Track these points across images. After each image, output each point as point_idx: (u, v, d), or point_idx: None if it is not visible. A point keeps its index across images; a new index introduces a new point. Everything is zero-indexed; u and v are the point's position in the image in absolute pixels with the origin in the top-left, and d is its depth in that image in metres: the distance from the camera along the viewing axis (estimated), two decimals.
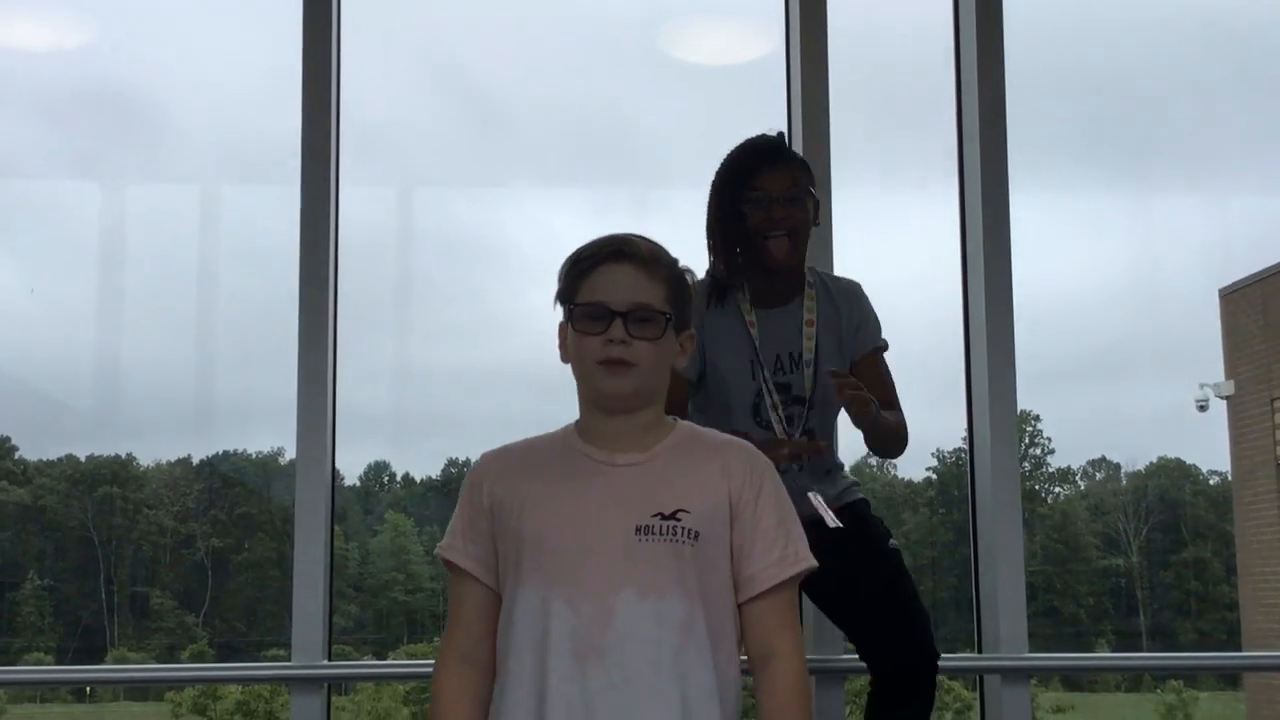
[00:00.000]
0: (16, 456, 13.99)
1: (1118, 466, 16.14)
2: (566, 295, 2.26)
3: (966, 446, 3.78)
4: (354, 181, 4.22)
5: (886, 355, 3.33)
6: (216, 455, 14.11)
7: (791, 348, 3.19)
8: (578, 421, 2.31)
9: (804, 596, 3.35)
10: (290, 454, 12.48)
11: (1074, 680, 13.52)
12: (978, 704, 3.90)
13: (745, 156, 3.18)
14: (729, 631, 2.20)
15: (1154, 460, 15.75)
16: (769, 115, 4.50)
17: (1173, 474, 15.78)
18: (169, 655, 13.23)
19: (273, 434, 13.32)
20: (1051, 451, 15.48)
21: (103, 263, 10.62)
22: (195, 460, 14.12)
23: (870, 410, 2.94)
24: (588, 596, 2.12)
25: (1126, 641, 14.83)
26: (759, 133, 3.25)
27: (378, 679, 10.67)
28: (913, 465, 15.24)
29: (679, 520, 2.14)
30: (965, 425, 3.81)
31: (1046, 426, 14.79)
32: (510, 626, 2.17)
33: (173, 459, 14.15)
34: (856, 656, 3.20)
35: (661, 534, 2.14)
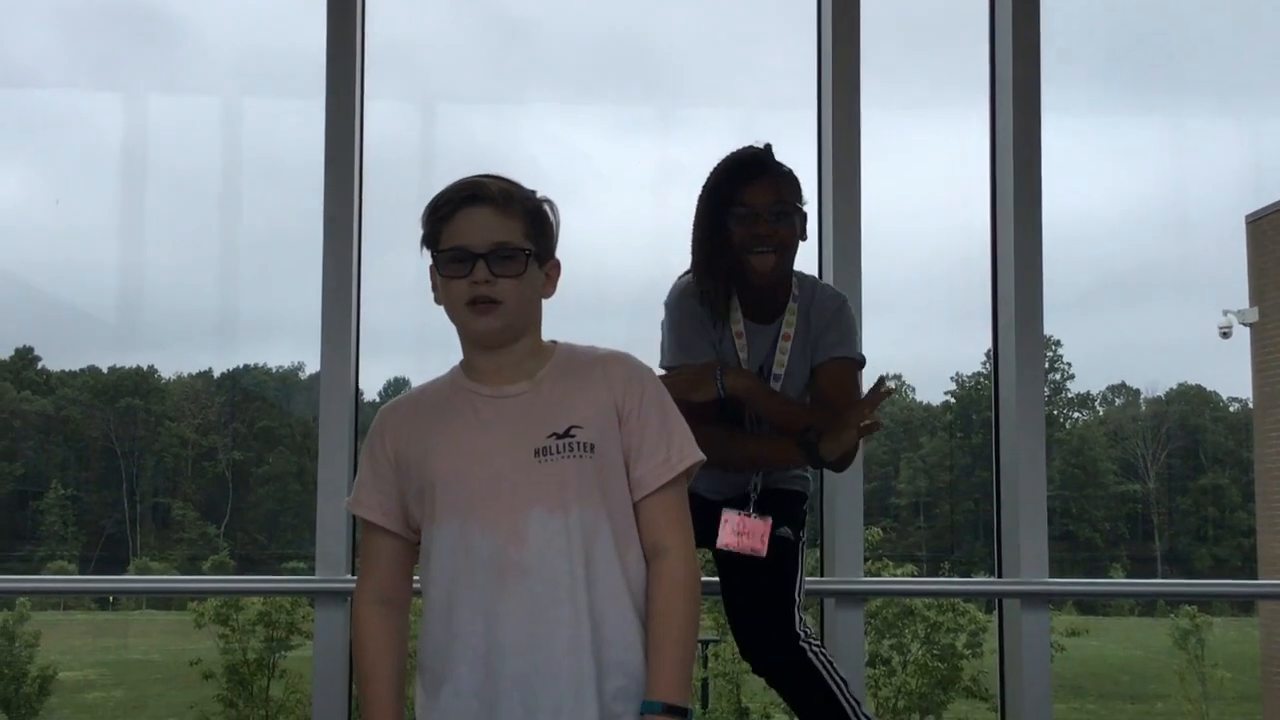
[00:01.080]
0: (40, 367, 14.08)
1: (1137, 392, 16.13)
2: (430, 242, 2.29)
3: (986, 371, 3.75)
4: (376, 96, 4.18)
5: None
6: (237, 369, 14.19)
7: (765, 363, 3.16)
8: (462, 362, 2.35)
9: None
10: (310, 368, 12.51)
11: (1088, 604, 13.58)
12: (995, 627, 3.90)
13: (731, 170, 3.10)
14: (634, 533, 2.27)
15: (1174, 386, 15.74)
16: (797, 33, 4.44)
17: (1193, 400, 15.76)
18: (190, 565, 13.39)
19: (293, 348, 13.38)
20: (1071, 377, 15.48)
21: (125, 175, 10.61)
22: (216, 373, 14.21)
23: (680, 393, 2.85)
24: (501, 521, 2.19)
25: (1141, 566, 14.90)
26: (746, 145, 3.16)
27: None
28: (931, 389, 15.25)
29: (573, 436, 2.22)
30: (984, 350, 3.78)
31: (1067, 351, 14.78)
32: (432, 562, 2.25)
33: (194, 372, 14.25)
34: (876, 579, 3.21)
35: (559, 452, 2.21)
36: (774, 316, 3.12)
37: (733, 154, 3.11)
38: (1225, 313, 12.90)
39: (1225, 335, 12.97)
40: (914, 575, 13.41)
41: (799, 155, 3.49)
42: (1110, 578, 14.37)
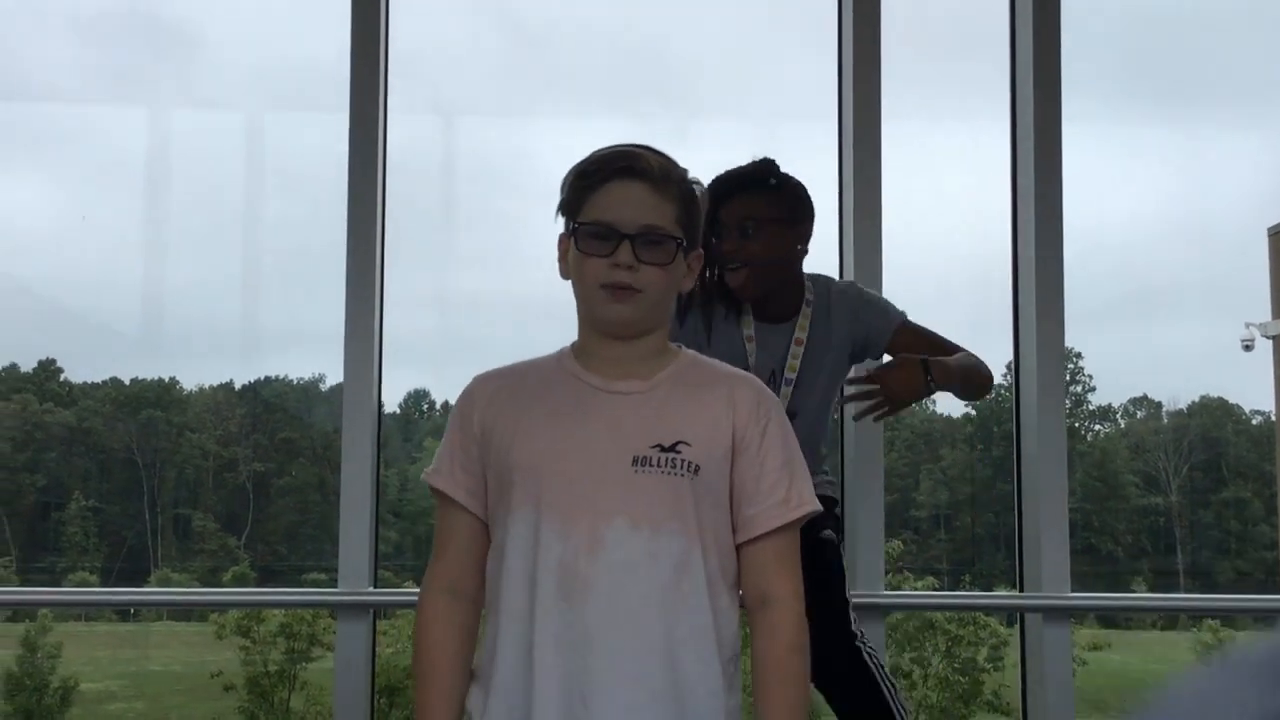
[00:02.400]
0: (62, 378, 14.14)
1: (1159, 405, 16.05)
2: (571, 209, 2.10)
3: (1005, 383, 3.73)
4: (396, 107, 4.19)
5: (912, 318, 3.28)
6: (258, 380, 14.22)
7: (781, 365, 3.16)
8: (575, 344, 2.16)
9: None
10: (331, 380, 12.53)
11: (1109, 618, 13.52)
12: (1018, 642, 3.89)
13: (715, 187, 3.12)
14: (730, 571, 2.07)
15: (1196, 399, 15.65)
16: (816, 44, 4.44)
17: (1215, 413, 15.67)
18: (211, 577, 13.41)
19: (314, 360, 13.40)
20: (1092, 389, 15.40)
21: (147, 187, 10.66)
22: (238, 385, 14.25)
23: (918, 385, 2.89)
24: (578, 526, 1.99)
25: (1163, 580, 14.80)
26: (749, 160, 3.17)
27: None
28: (951, 401, 15.18)
29: (679, 453, 2.01)
30: (1006, 361, 3.76)
31: (1088, 363, 14.71)
32: (502, 558, 2.05)
33: (215, 383, 14.28)
34: (898, 592, 3.20)
35: (659, 466, 2.00)
36: (783, 319, 3.13)
37: (734, 167, 3.13)
38: (1247, 325, 12.83)
39: (1247, 348, 12.90)
40: (935, 588, 13.39)
41: (818, 167, 3.50)
42: (1132, 591, 14.31)
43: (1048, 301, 3.91)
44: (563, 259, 2.13)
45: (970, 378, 3.15)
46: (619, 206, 2.04)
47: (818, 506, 2.12)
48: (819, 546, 3.06)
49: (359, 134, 3.91)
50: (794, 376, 3.13)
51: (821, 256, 3.51)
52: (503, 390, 2.16)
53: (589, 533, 1.99)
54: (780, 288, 3.15)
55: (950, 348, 3.23)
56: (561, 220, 2.13)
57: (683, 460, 2.01)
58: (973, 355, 3.20)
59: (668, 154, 2.14)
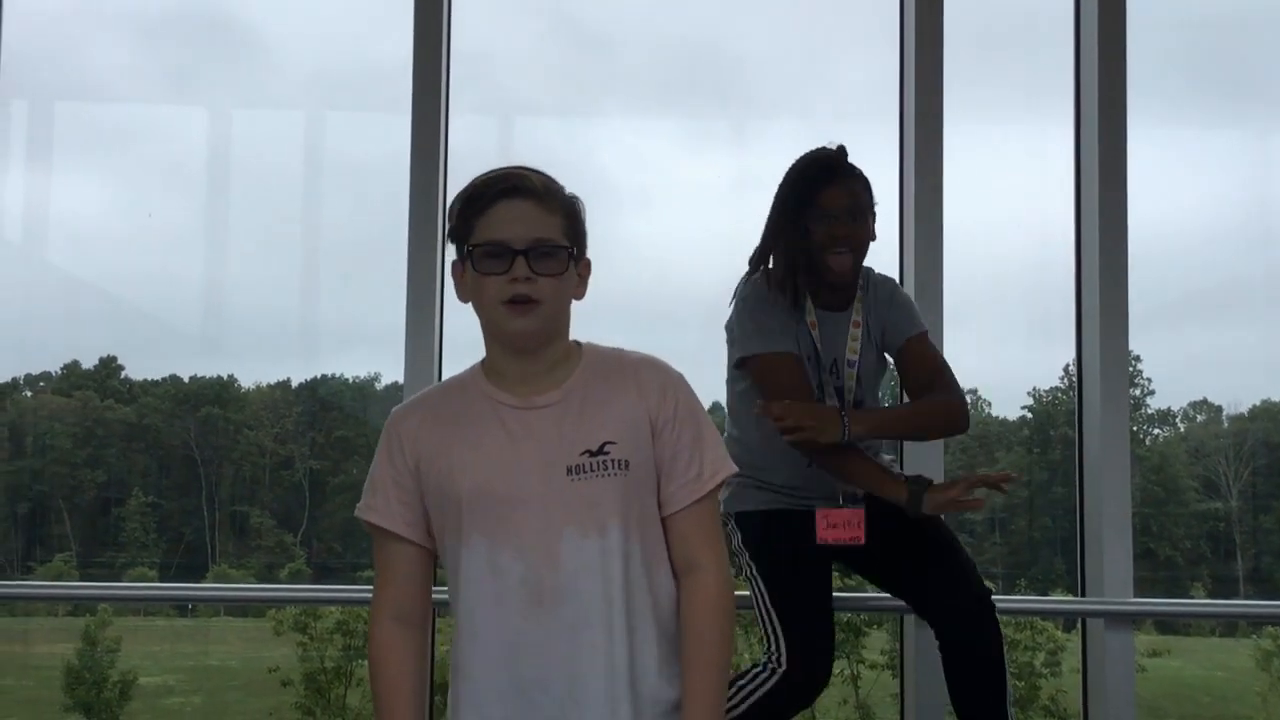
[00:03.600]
0: (123, 376, 14.31)
1: (1219, 409, 15.87)
2: (461, 235, 2.16)
3: (1063, 385, 3.70)
4: (456, 107, 4.22)
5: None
6: (315, 379, 14.34)
7: (839, 354, 3.21)
8: (483, 363, 2.23)
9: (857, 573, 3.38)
10: (386, 379, 12.59)
11: (1168, 624, 13.37)
12: (1079, 647, 3.85)
13: (808, 172, 3.16)
14: (662, 550, 2.17)
15: (1258, 403, 15.46)
16: (876, 43, 4.42)
17: (1277, 418, 15.47)
18: (268, 573, 13.52)
19: (370, 359, 13.49)
20: (1152, 393, 15.24)
21: (207, 187, 10.76)
22: (294, 383, 14.38)
23: (806, 434, 2.92)
24: (533, 543, 2.08)
25: (1223, 586, 14.63)
26: (820, 146, 3.22)
27: None
28: (1007, 404, 15.08)
29: (607, 453, 2.11)
30: (1062, 365, 3.74)
31: (1147, 367, 14.56)
32: (461, 583, 2.14)
33: (273, 381, 14.42)
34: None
35: (593, 470, 2.10)
36: (843, 307, 3.17)
37: (808, 155, 3.16)
38: None
39: None
40: (991, 592, 13.29)
41: (874, 167, 3.50)
42: (1191, 596, 14.15)
43: (1111, 304, 3.87)
44: (459, 284, 2.20)
45: (911, 427, 3.20)
46: (508, 224, 2.11)
47: (731, 469, 2.20)
48: (929, 519, 3.10)
49: (420, 134, 3.94)
50: (855, 359, 3.17)
51: (882, 257, 3.51)
52: (425, 423, 2.22)
53: (544, 548, 2.08)
54: (857, 278, 3.21)
55: (944, 382, 3.24)
56: (452, 248, 2.21)
57: (613, 460, 2.11)
58: (942, 398, 3.19)
59: (545, 171, 2.23)
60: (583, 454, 2.12)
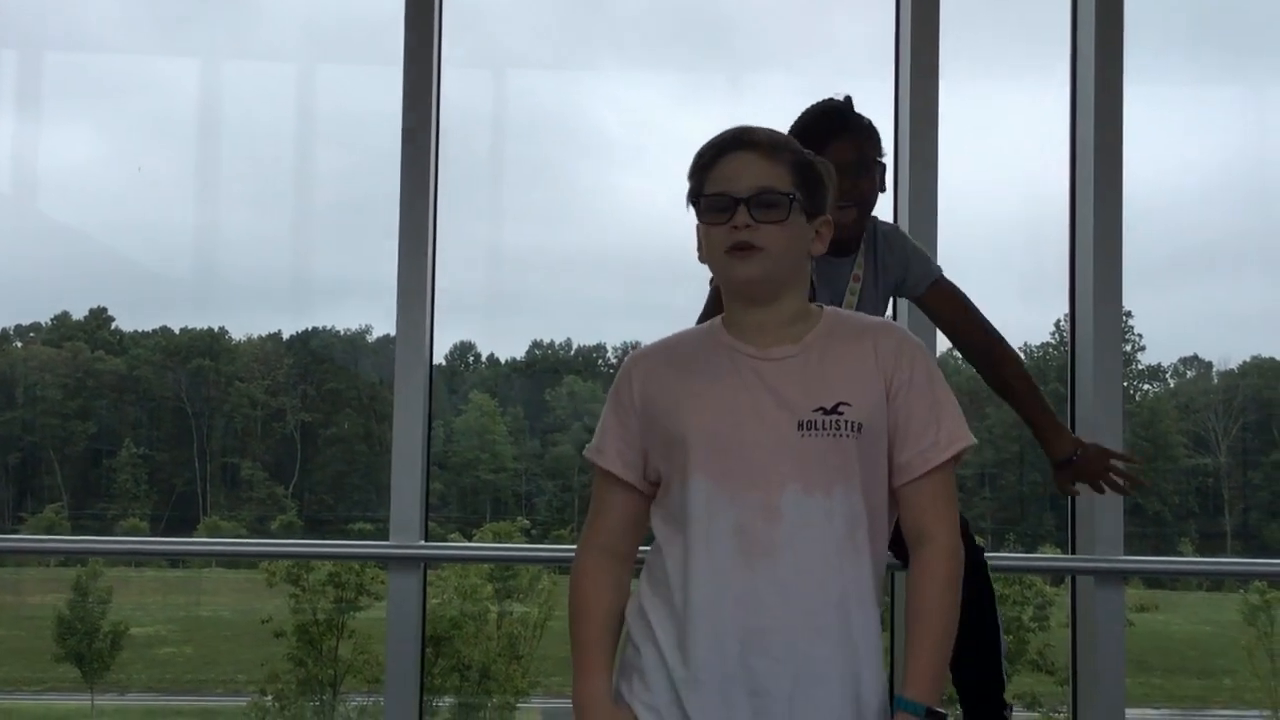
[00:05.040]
0: (113, 327, 14.26)
1: (1209, 365, 15.90)
2: (693, 194, 2.19)
3: (1055, 341, 3.70)
4: (448, 61, 4.19)
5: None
6: (306, 331, 14.32)
7: (840, 300, 3.20)
8: (723, 317, 2.23)
9: None
10: (378, 331, 12.60)
11: (1155, 579, 13.45)
12: (1063, 601, 3.87)
13: (814, 124, 3.14)
14: (886, 521, 2.18)
15: (1248, 359, 15.49)
16: (872, 1, 4.39)
17: (1267, 374, 15.51)
18: (259, 525, 13.55)
19: (361, 312, 13.47)
20: (1142, 348, 15.26)
21: (199, 138, 10.71)
22: (285, 335, 14.35)
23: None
24: (753, 493, 2.08)
25: (1211, 542, 14.71)
26: (828, 97, 3.20)
27: (473, 560, 10.84)
28: None
29: (841, 414, 2.10)
30: (1053, 321, 3.74)
31: (1138, 323, 14.58)
32: (678, 522, 2.14)
33: (264, 334, 14.39)
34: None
35: (825, 429, 2.09)
36: (845, 253, 3.15)
37: (814, 108, 3.14)
38: None
39: None
40: (981, 548, 13.33)
41: (874, 121, 3.49)
42: (1180, 552, 14.22)
43: (1105, 261, 3.87)
44: (699, 244, 2.22)
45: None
46: (732, 176, 2.14)
47: (970, 440, 2.20)
48: None
49: (413, 86, 3.91)
50: (854, 306, 3.17)
51: (877, 212, 3.49)
52: (659, 365, 2.24)
53: (764, 499, 2.08)
54: (862, 230, 3.20)
55: (976, 313, 3.27)
56: (692, 210, 2.22)
57: (846, 421, 2.10)
58: (993, 334, 3.25)
59: (778, 130, 2.24)
60: (816, 410, 2.11)
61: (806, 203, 2.18)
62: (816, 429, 2.09)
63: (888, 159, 3.23)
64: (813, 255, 2.22)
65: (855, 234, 3.17)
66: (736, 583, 2.07)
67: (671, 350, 2.26)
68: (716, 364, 2.18)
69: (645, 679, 2.16)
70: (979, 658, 3.07)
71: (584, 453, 2.28)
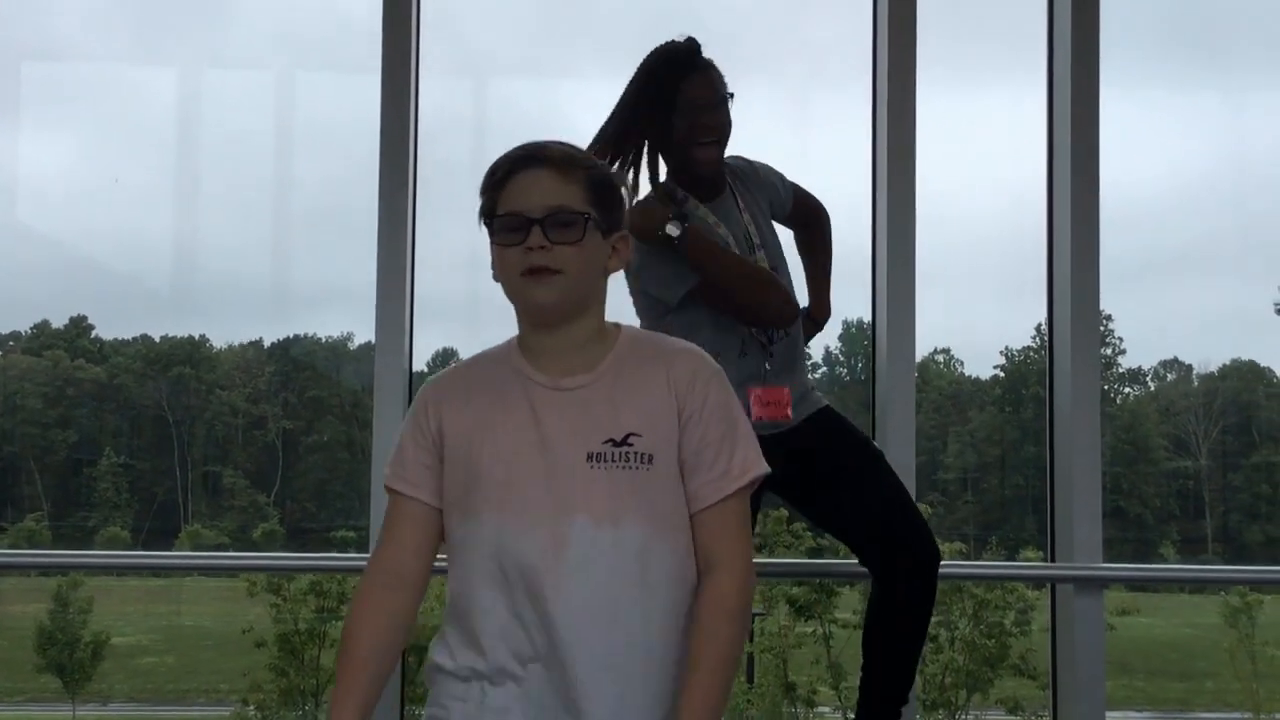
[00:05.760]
0: (93, 335, 14.23)
1: (1190, 368, 15.98)
2: (486, 211, 2.11)
3: (1035, 345, 3.70)
4: (427, 65, 4.18)
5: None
6: (288, 338, 14.30)
7: (740, 231, 3.21)
8: (518, 337, 2.18)
9: (797, 516, 3.39)
10: (359, 338, 12.56)
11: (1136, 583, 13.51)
12: (1045, 605, 3.87)
13: (665, 65, 3.14)
14: (685, 550, 2.10)
15: (1227, 362, 15.58)
16: (850, 7, 4.40)
17: (1246, 376, 15.59)
18: (241, 533, 13.51)
19: (343, 319, 13.46)
20: (1123, 351, 15.33)
21: (178, 145, 10.69)
22: (267, 343, 14.33)
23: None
24: (540, 526, 2.03)
25: (1192, 544, 14.79)
26: (669, 40, 3.20)
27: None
28: (980, 363, 15.14)
29: (631, 445, 2.06)
30: (1034, 324, 3.74)
31: (1118, 326, 14.64)
32: (466, 559, 2.09)
33: (245, 341, 14.37)
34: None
35: (614, 460, 2.05)
36: (717, 194, 3.15)
37: (661, 49, 3.13)
38: None
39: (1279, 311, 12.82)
40: (962, 551, 13.37)
41: (851, 126, 3.50)
42: (1161, 555, 14.27)
43: (1083, 264, 3.87)
44: (493, 263, 2.14)
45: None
46: (524, 195, 2.07)
47: (763, 471, 2.13)
48: (880, 458, 3.11)
49: (391, 92, 3.89)
50: (759, 239, 3.17)
51: (856, 216, 3.51)
52: (455, 393, 2.19)
53: (551, 532, 2.04)
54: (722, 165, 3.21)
55: (813, 201, 3.34)
56: (485, 229, 2.13)
57: (635, 453, 2.06)
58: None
59: (575, 145, 2.17)
60: (606, 442, 2.06)
61: (602, 220, 2.10)
62: (606, 461, 2.05)
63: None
64: (609, 273, 2.16)
65: (718, 171, 3.16)
66: (526, 617, 2.03)
67: (467, 378, 2.20)
68: (509, 393, 2.13)
69: (447, 709, 2.11)
70: (907, 657, 3.07)
71: (385, 482, 2.21)
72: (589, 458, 2.05)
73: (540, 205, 2.06)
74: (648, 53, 3.14)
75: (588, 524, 2.03)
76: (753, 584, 2.13)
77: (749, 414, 3.01)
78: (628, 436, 2.06)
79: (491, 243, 2.11)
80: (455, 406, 2.16)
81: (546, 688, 2.04)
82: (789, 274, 3.25)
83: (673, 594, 2.07)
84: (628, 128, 3.10)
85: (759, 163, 3.30)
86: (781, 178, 3.31)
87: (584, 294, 2.12)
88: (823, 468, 3.08)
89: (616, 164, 3.09)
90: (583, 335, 2.13)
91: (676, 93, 3.05)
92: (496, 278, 2.14)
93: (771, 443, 2.85)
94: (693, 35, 3.15)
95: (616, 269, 2.17)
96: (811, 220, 3.35)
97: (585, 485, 2.04)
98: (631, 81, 3.12)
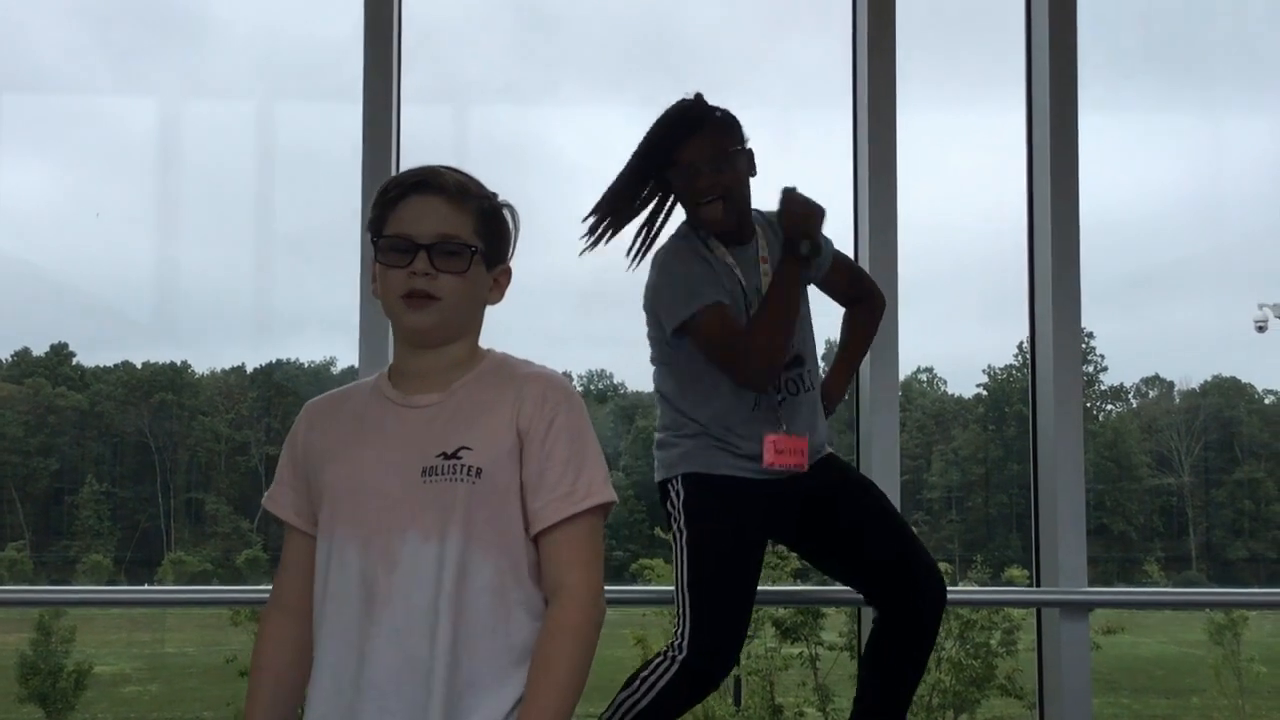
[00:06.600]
0: (74, 363, 14.17)
1: (1171, 385, 16.04)
2: (374, 227, 2.12)
3: (1017, 363, 3.69)
4: (407, 88, 4.19)
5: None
6: (270, 364, 14.26)
7: (752, 284, 3.21)
8: (392, 362, 2.20)
9: (802, 559, 3.37)
10: (342, 363, 12.51)
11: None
12: (1031, 625, 3.87)
13: (666, 133, 3.16)
14: (517, 572, 2.09)
15: (1209, 379, 15.64)
16: (827, 25, 4.42)
17: (1228, 393, 15.65)
18: (224, 560, 13.45)
19: (325, 343, 13.44)
20: (1105, 369, 15.39)
21: (159, 173, 10.68)
22: (249, 368, 14.29)
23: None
24: (375, 542, 2.04)
25: (1176, 561, 14.81)
26: (679, 100, 3.23)
27: None
28: (963, 382, 15.18)
29: (460, 459, 2.06)
30: (1016, 343, 3.74)
31: (1100, 343, 14.70)
32: (318, 574, 2.10)
33: (227, 367, 14.33)
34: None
35: (444, 474, 2.05)
36: (748, 239, 3.17)
37: (665, 114, 3.15)
38: (1260, 306, 12.81)
39: (1261, 329, 12.87)
40: (947, 571, 13.38)
41: (831, 145, 3.51)
42: (1145, 571, 14.29)
43: (1064, 283, 3.88)
44: (374, 278, 2.13)
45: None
46: (415, 219, 2.09)
47: (608, 497, 2.11)
48: (883, 499, 3.11)
49: (372, 116, 3.89)
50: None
51: (838, 236, 3.50)
52: (323, 415, 2.20)
53: (385, 548, 2.04)
54: (746, 211, 3.21)
55: (869, 280, 3.33)
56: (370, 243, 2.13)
57: (464, 466, 2.05)
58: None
59: (470, 174, 2.16)
60: (438, 455, 2.06)
61: (488, 253, 2.13)
62: (437, 474, 2.05)
63: (751, 143, 3.25)
64: (489, 304, 2.18)
65: (734, 224, 3.17)
66: (357, 633, 2.03)
67: (339, 400, 2.23)
68: (369, 414, 2.15)
69: None
70: (907, 692, 3.08)
71: (263, 501, 2.23)
72: (423, 472, 2.05)
73: (430, 232, 2.08)
74: (657, 118, 3.18)
75: (417, 539, 2.04)
76: (600, 610, 2.10)
77: (761, 460, 3.03)
78: (458, 450, 2.06)
79: (375, 259, 2.11)
80: (321, 426, 2.18)
81: (356, 702, 2.03)
82: (811, 337, 3.25)
83: (500, 609, 2.06)
84: (627, 188, 3.14)
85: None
86: (826, 240, 3.31)
87: (460, 321, 2.14)
88: (827, 514, 3.09)
89: (608, 219, 3.12)
90: (451, 358, 2.15)
91: (673, 155, 3.08)
92: (376, 293, 2.15)
93: (776, 488, 2.89)
94: (697, 92, 3.17)
95: (496, 301, 2.20)
96: (864, 299, 3.32)
97: (417, 500, 2.05)
98: (637, 149, 3.16)
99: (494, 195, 2.18)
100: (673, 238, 3.12)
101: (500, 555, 2.07)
